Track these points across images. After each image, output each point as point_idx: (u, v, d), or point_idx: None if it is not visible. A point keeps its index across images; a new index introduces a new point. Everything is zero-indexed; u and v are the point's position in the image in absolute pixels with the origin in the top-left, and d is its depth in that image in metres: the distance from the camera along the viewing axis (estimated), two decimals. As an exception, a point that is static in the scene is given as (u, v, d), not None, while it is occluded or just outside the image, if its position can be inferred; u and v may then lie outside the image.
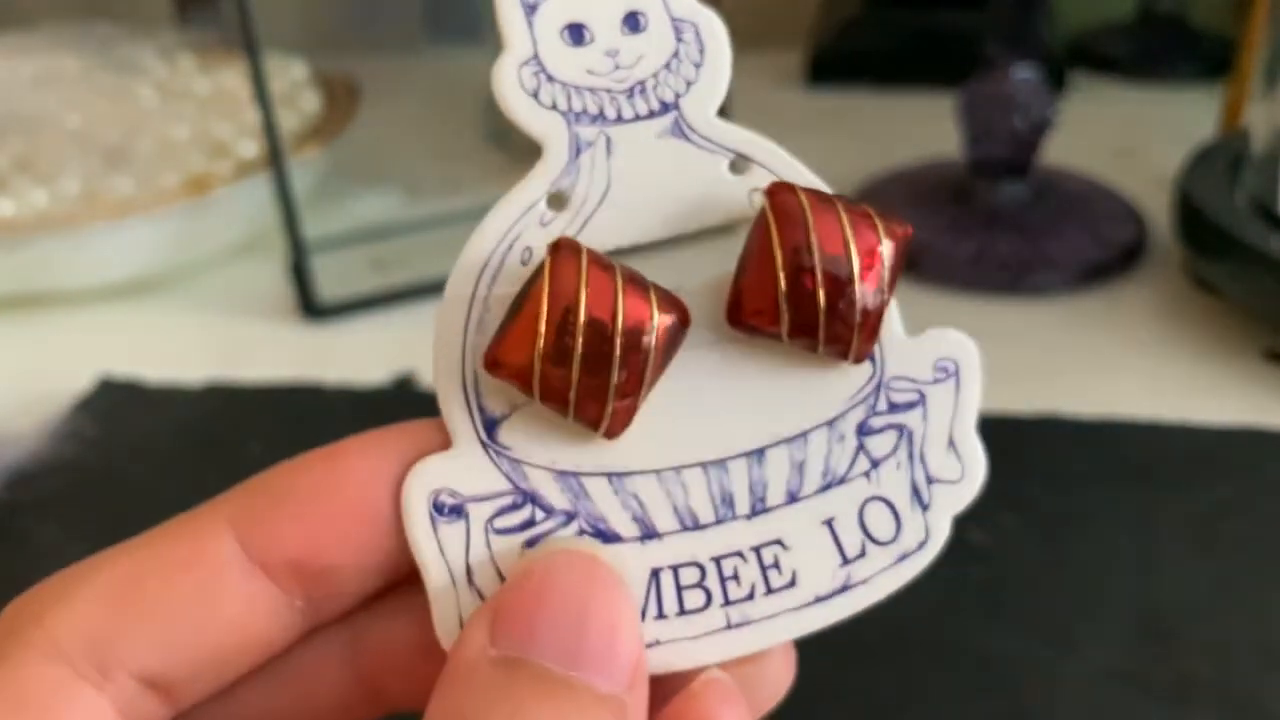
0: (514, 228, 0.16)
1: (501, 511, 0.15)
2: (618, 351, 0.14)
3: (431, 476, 0.15)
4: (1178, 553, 0.32)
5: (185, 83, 0.55)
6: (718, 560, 0.16)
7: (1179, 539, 0.32)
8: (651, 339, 0.14)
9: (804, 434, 0.16)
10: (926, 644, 0.29)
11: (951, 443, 0.18)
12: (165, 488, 0.36)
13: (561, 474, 0.16)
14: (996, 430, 0.36)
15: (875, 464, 0.17)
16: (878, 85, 0.64)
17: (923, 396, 0.17)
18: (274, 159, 0.43)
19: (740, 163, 0.17)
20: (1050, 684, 0.28)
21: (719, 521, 0.16)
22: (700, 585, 0.16)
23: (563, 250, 0.14)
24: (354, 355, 0.43)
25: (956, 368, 0.18)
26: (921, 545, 0.18)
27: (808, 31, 0.68)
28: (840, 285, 0.15)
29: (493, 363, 0.15)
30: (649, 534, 0.16)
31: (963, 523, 0.32)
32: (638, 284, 0.15)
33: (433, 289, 0.46)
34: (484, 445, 0.16)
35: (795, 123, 0.60)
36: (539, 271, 0.14)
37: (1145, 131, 0.57)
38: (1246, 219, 0.40)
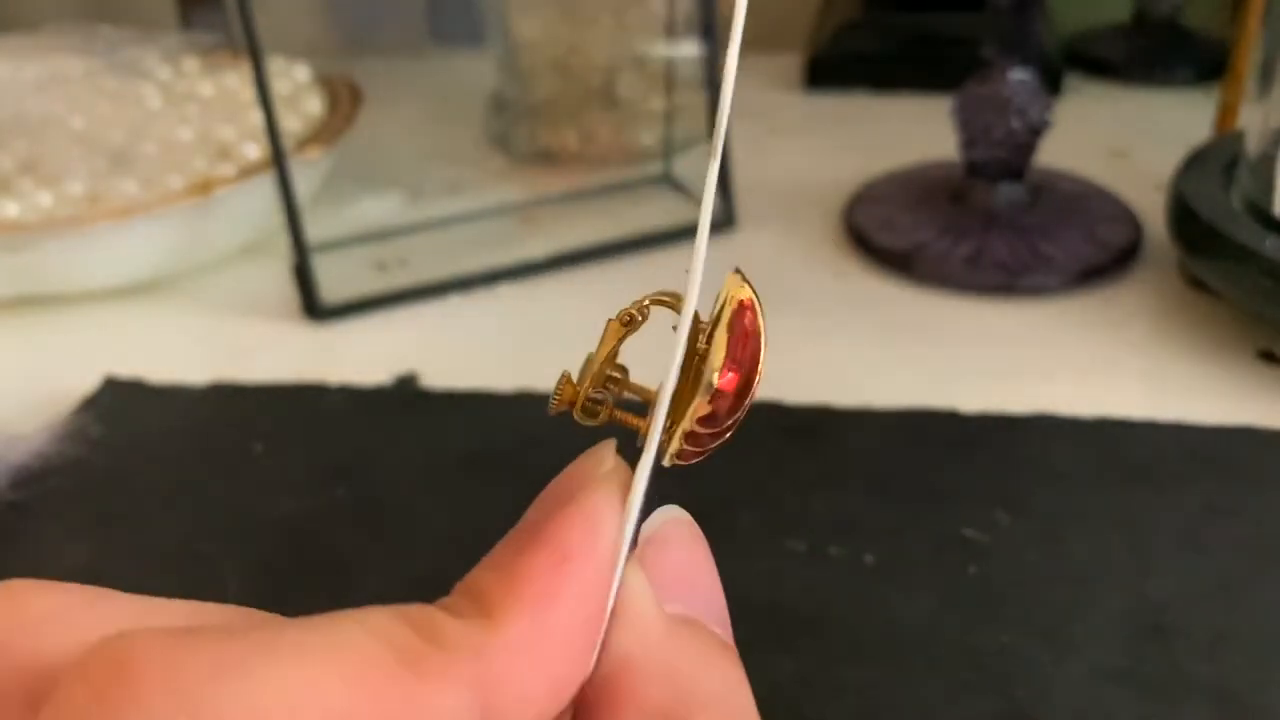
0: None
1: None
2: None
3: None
4: (1173, 551, 0.32)
5: (189, 85, 0.55)
6: None
7: (1174, 537, 0.32)
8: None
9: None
10: (922, 642, 0.29)
11: None
12: (169, 487, 0.37)
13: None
14: (993, 429, 0.37)
15: None
16: (875, 88, 0.65)
17: None
18: (277, 161, 0.43)
19: None
20: (1045, 682, 0.28)
21: None
22: None
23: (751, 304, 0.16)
24: (356, 356, 0.43)
25: None
26: None
27: (806, 35, 0.68)
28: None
29: (734, 383, 0.16)
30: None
31: (959, 521, 0.33)
32: None
33: (435, 290, 0.47)
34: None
35: (794, 126, 0.61)
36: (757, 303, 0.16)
37: (1141, 133, 0.58)
38: (1241, 220, 0.41)
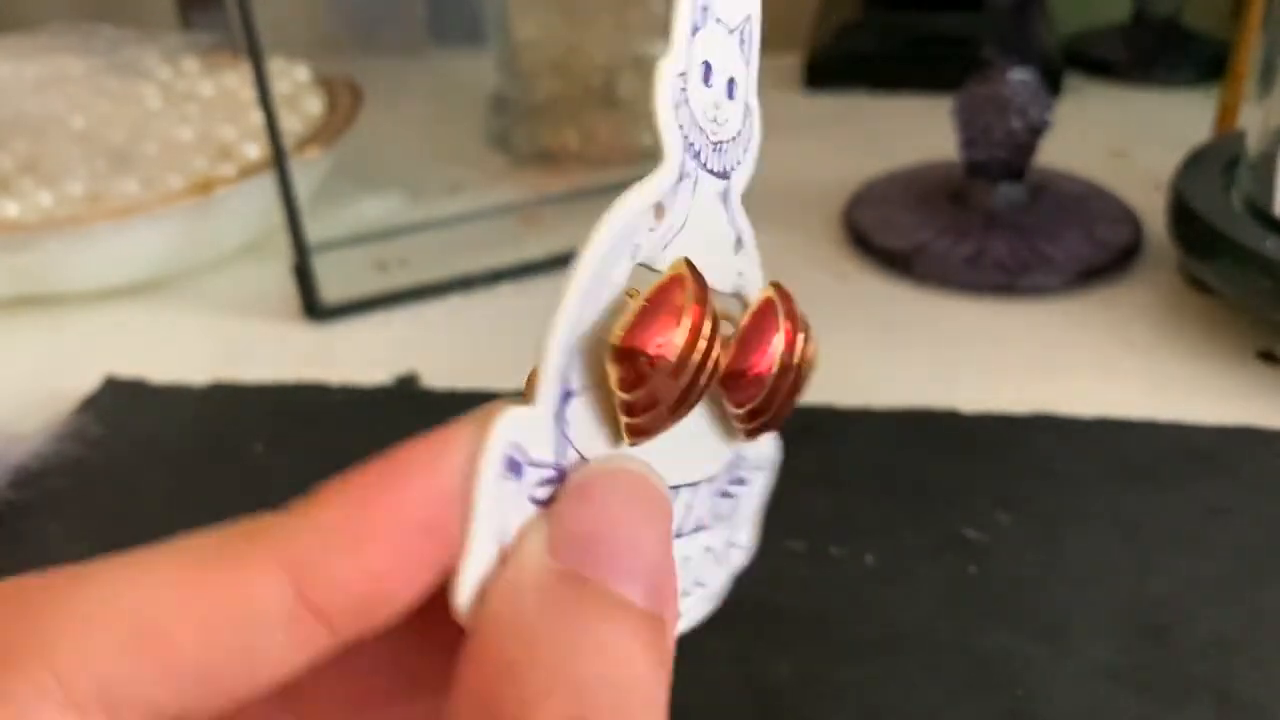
0: (634, 222, 0.16)
1: (543, 483, 0.15)
2: (706, 376, 0.16)
3: (513, 430, 0.15)
4: (1173, 551, 0.32)
5: (189, 85, 0.55)
6: None
7: (1174, 537, 0.32)
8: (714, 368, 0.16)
9: (698, 483, 0.18)
10: (923, 642, 0.29)
11: (750, 520, 0.20)
12: (169, 487, 0.37)
13: (584, 462, 0.16)
14: (993, 429, 0.37)
15: (716, 520, 0.19)
16: (875, 88, 0.64)
17: (748, 480, 0.20)
18: (277, 161, 0.43)
19: (737, 246, 0.18)
20: (1046, 682, 0.28)
21: None
22: None
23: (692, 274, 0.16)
24: (356, 355, 0.43)
25: (768, 465, 0.20)
26: (713, 595, 0.19)
27: (806, 35, 0.68)
28: (801, 384, 0.18)
29: (625, 350, 0.15)
30: None
31: (959, 521, 0.33)
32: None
33: (435, 290, 0.47)
34: (555, 415, 0.16)
35: (794, 126, 0.61)
36: (698, 285, 0.16)
37: (1141, 133, 0.58)
38: (1241, 220, 0.41)
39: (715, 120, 0.17)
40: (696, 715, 0.28)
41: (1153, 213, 0.48)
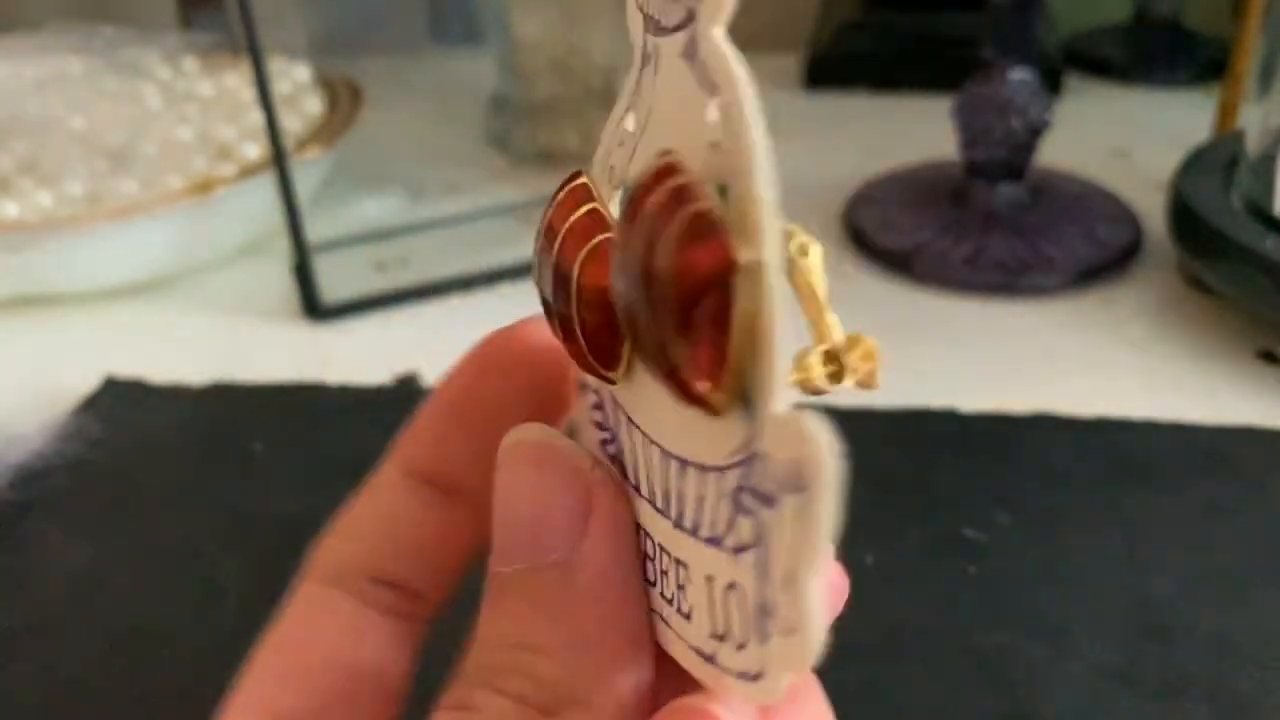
0: (607, 142, 0.15)
1: (594, 406, 0.17)
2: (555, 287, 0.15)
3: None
4: (1172, 551, 0.32)
5: (189, 85, 0.55)
6: (661, 549, 0.14)
7: (1173, 537, 0.32)
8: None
9: (711, 469, 0.13)
10: (922, 641, 0.29)
11: (789, 579, 0.12)
12: (169, 487, 0.37)
13: (613, 398, 0.16)
14: (993, 429, 0.37)
15: (739, 550, 0.13)
16: (875, 88, 0.65)
17: (775, 499, 0.12)
18: (277, 161, 0.43)
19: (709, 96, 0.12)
20: (1045, 681, 0.28)
21: (662, 512, 0.14)
22: (652, 560, 0.15)
23: (573, 182, 0.15)
24: (356, 356, 0.43)
25: (806, 483, 0.11)
26: (754, 678, 0.12)
27: (806, 35, 0.68)
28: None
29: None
30: (636, 487, 0.15)
31: (959, 521, 0.33)
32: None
33: (435, 290, 0.47)
34: None
35: (794, 126, 0.61)
36: (562, 207, 0.15)
37: (1141, 133, 0.58)
38: (1241, 220, 0.41)
39: None
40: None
41: (1153, 213, 0.48)
